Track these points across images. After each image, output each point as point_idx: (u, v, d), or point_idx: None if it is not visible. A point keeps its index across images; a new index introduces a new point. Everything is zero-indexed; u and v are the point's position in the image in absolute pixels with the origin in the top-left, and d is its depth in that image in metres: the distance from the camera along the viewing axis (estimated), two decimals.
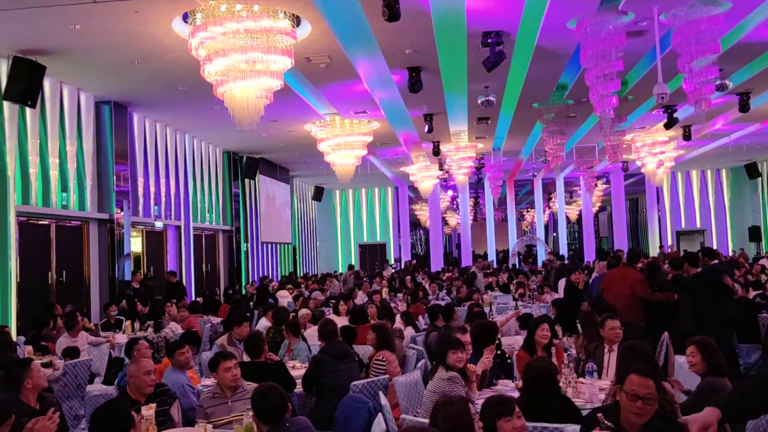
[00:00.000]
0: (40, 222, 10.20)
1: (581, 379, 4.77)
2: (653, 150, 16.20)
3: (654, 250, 21.78)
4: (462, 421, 2.89)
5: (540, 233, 27.08)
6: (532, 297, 11.75)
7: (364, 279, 16.51)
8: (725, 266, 8.17)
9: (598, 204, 28.26)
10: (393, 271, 20.92)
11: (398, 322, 7.89)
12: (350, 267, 18.54)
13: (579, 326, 6.26)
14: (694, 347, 4.19)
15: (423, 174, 18.52)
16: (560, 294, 10.83)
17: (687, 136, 15.19)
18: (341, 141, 12.88)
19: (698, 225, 24.19)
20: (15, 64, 8.25)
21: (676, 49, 7.67)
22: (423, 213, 28.38)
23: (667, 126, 13.29)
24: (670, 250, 19.69)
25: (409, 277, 16.28)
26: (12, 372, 4.29)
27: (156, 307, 9.67)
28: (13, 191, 9.09)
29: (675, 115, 13.00)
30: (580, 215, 27.11)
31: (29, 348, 7.10)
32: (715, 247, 18.21)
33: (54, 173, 10.20)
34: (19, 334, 8.73)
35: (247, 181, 17.79)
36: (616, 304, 6.92)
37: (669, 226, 24.17)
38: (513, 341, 6.77)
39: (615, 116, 9.85)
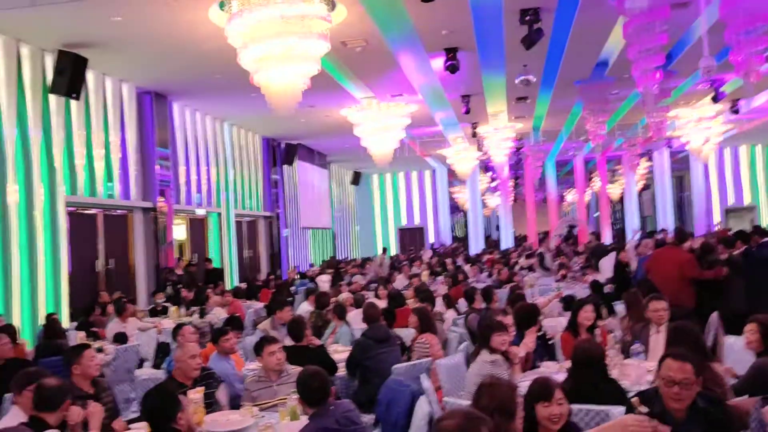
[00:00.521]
0: (88, 211, 10.47)
1: (627, 361, 4.69)
2: (699, 126, 15.72)
3: (700, 229, 21.22)
4: (505, 405, 2.83)
5: (582, 214, 26.63)
6: (574, 278, 11.59)
7: (404, 263, 16.54)
8: None
9: (642, 182, 27.56)
10: (431, 254, 20.90)
11: (439, 305, 7.88)
12: (384, 251, 18.38)
13: (624, 307, 6.14)
14: (755, 325, 4.08)
15: (461, 156, 18.37)
16: (603, 274, 10.70)
17: (735, 110, 14.69)
18: (378, 125, 12.84)
19: (747, 202, 23.43)
20: (60, 58, 8.45)
21: (723, 19, 7.39)
22: (462, 195, 28.21)
23: (714, 100, 12.88)
24: (717, 228, 19.16)
25: (449, 260, 16.23)
26: (65, 355, 4.42)
27: (200, 293, 9.88)
28: (62, 182, 9.36)
29: (722, 88, 12.58)
30: (622, 194, 26.57)
31: (81, 334, 7.33)
32: (765, 225, 17.69)
33: (99, 164, 10.45)
34: (71, 320, 9.02)
35: (285, 167, 17.94)
36: (663, 286, 6.75)
37: (716, 204, 23.49)
38: (556, 323, 6.69)
39: (658, 91, 9.57)
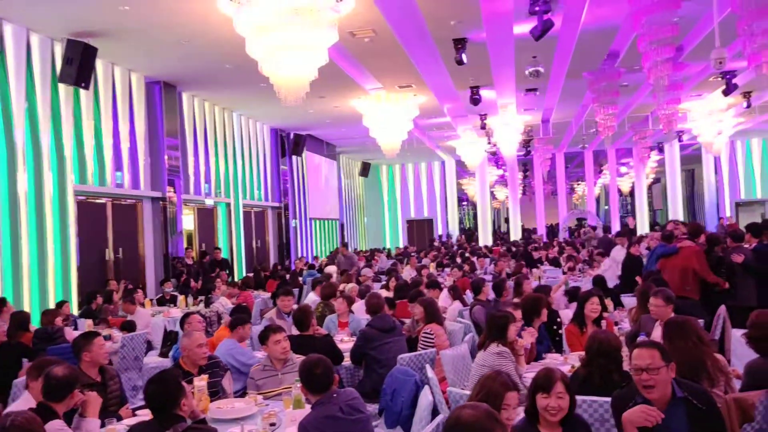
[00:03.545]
0: (97, 201, 10.53)
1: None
2: (711, 119, 15.58)
3: (711, 222, 21.09)
4: (490, 400, 2.81)
5: (591, 206, 26.52)
6: (582, 271, 11.56)
7: (412, 254, 16.54)
8: None
9: (652, 175, 27.41)
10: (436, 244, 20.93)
11: (446, 296, 7.88)
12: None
13: (636, 299, 6.11)
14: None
15: (470, 148, 18.31)
16: (605, 266, 10.66)
17: (747, 103, 14.55)
18: (386, 116, 12.82)
19: (758, 195, 23.25)
20: (69, 47, 8.47)
21: (735, 11, 7.32)
22: (471, 187, 28.14)
23: (726, 93, 12.75)
24: (728, 222, 19.03)
25: (459, 251, 16.22)
26: (74, 343, 4.45)
27: (206, 283, 9.93)
28: (71, 171, 9.40)
29: (734, 81, 12.45)
30: (633, 187, 26.42)
31: (89, 321, 7.38)
32: None
33: (108, 153, 10.50)
34: (79, 309, 9.08)
35: (294, 158, 17.96)
36: (671, 277, 6.73)
37: (727, 197, 23.32)
38: (562, 315, 6.66)
39: (670, 83, 9.49)
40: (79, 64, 8.44)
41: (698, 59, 10.74)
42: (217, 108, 14.18)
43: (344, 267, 12.56)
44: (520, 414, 3.14)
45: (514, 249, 16.42)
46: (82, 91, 9.51)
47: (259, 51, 7.02)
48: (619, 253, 10.30)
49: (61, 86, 9.08)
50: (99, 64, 9.98)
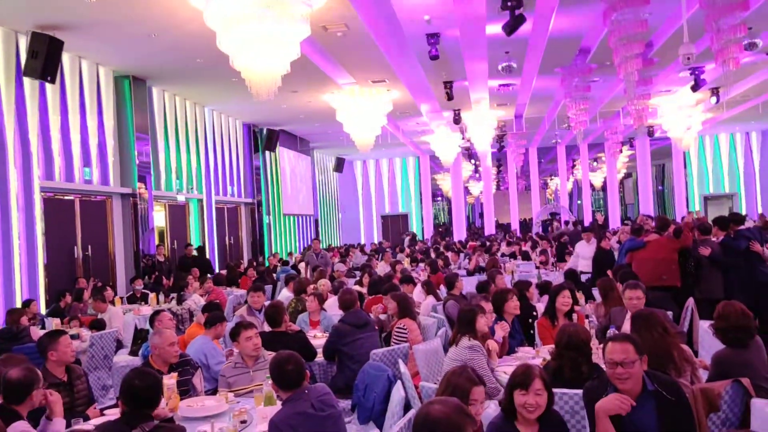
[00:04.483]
0: (65, 197, 10.32)
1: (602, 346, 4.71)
2: (680, 114, 15.83)
3: (680, 216, 21.44)
4: (458, 396, 2.77)
5: (564, 201, 26.78)
6: (554, 265, 11.67)
7: (387, 249, 16.55)
8: (754, 232, 7.94)
9: (624, 170, 27.81)
10: (407, 237, 20.99)
11: (419, 291, 7.88)
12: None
13: (600, 294, 6.18)
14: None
15: (444, 143, 18.33)
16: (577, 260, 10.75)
17: (716, 99, 14.80)
18: (360, 111, 12.77)
19: (726, 189, 23.74)
20: (33, 40, 8.27)
21: (702, 7, 7.42)
22: (446, 182, 28.24)
23: (694, 89, 12.95)
24: (696, 215, 19.37)
25: (434, 246, 16.26)
26: (40, 342, 4.36)
27: (178, 280, 9.81)
28: (37, 168, 9.20)
29: (702, 76, 12.65)
30: (605, 182, 26.75)
31: (57, 320, 7.24)
32: (744, 212, 17.90)
33: (76, 149, 10.29)
34: (47, 308, 8.91)
35: (268, 153, 17.82)
36: (640, 270, 6.82)
37: (696, 191, 23.77)
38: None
39: (640, 79, 9.61)
40: (44, 58, 8.24)
41: (667, 55, 10.88)
42: (188, 103, 13.99)
43: (316, 264, 12.52)
44: (486, 407, 3.14)
45: (488, 243, 16.52)
46: (48, 85, 9.30)
47: (230, 45, 6.93)
48: (583, 248, 10.40)
49: (26, 80, 8.86)
50: (66, 58, 9.78)
